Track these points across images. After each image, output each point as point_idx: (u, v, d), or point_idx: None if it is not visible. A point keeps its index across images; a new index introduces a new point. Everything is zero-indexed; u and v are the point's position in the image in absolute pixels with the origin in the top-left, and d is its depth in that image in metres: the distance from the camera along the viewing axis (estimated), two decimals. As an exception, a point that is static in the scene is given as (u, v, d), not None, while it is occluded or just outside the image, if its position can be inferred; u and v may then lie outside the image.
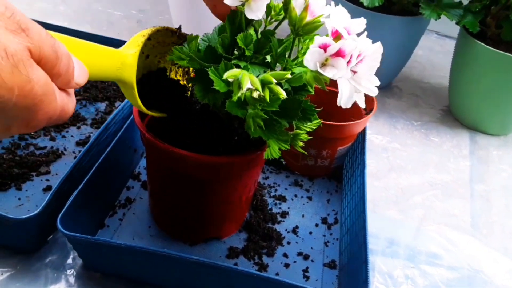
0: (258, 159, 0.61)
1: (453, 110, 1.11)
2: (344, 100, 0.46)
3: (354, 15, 0.46)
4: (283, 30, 0.55)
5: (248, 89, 0.44)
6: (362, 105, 0.49)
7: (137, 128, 0.60)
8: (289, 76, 0.46)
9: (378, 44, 0.46)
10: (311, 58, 0.44)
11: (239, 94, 0.44)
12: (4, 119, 0.33)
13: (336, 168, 0.85)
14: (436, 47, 1.41)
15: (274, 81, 0.45)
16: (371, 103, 0.80)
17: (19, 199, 0.70)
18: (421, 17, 0.98)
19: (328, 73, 0.44)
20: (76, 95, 0.91)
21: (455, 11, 0.98)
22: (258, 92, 0.44)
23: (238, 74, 0.45)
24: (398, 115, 1.08)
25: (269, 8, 0.53)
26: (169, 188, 0.66)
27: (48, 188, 0.73)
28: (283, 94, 0.45)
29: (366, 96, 0.81)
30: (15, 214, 0.58)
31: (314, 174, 0.85)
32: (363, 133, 0.80)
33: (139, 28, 1.26)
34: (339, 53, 0.44)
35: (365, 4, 0.96)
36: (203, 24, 1.10)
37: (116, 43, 0.98)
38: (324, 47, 0.44)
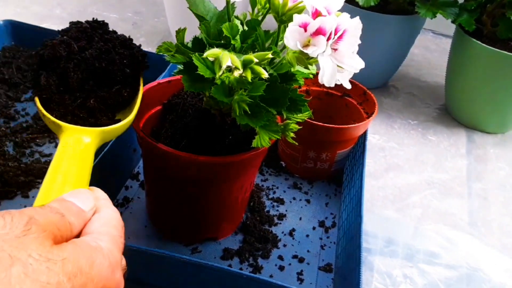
0: (254, 159, 0.61)
1: (450, 109, 1.11)
2: (326, 78, 0.45)
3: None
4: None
5: (228, 67, 0.44)
6: (347, 85, 0.48)
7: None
8: (270, 56, 0.46)
9: (357, 19, 0.46)
10: (291, 37, 0.44)
11: (220, 73, 0.44)
12: None
13: (336, 171, 0.85)
14: (432, 45, 1.41)
15: (256, 60, 0.45)
16: (372, 107, 0.80)
17: (25, 206, 0.70)
18: (417, 16, 0.98)
19: (308, 50, 0.44)
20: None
21: (450, 9, 0.98)
22: (239, 72, 0.44)
23: (219, 54, 0.45)
24: (395, 115, 1.08)
25: (254, 1, 0.53)
26: (165, 188, 0.66)
27: (54, 195, 0.73)
28: (264, 74, 0.45)
29: (368, 99, 0.81)
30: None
31: (314, 177, 0.85)
32: (363, 137, 0.80)
33: (135, 30, 1.26)
34: (319, 31, 0.44)
35: (360, 3, 0.96)
36: (193, 23, 1.10)
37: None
38: (304, 26, 0.44)
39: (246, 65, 0.45)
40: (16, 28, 1.00)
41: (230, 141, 0.59)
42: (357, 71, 0.46)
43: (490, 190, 0.90)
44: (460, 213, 0.84)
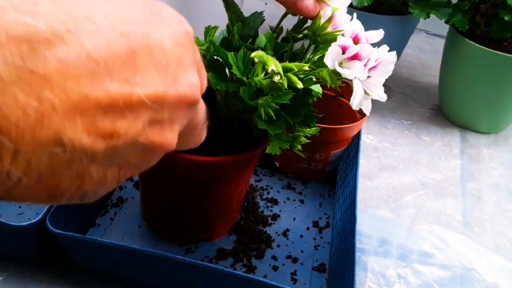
0: (250, 160, 0.61)
1: (444, 109, 1.11)
2: (356, 101, 0.47)
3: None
4: (265, 30, 0.56)
5: (272, 71, 0.45)
6: (367, 112, 0.51)
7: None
8: (307, 68, 0.47)
9: (393, 53, 0.48)
10: (331, 56, 0.46)
11: (262, 75, 0.46)
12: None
13: (330, 172, 0.85)
14: (425, 46, 1.41)
15: (296, 69, 0.47)
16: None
17: (20, 207, 0.70)
18: (410, 16, 0.98)
19: (346, 71, 0.46)
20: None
21: (444, 9, 0.98)
22: (279, 76, 0.45)
23: (264, 56, 0.46)
24: (389, 115, 1.08)
25: None
26: (160, 188, 0.65)
27: (49, 196, 0.72)
28: (299, 84, 0.46)
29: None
30: (16, 222, 0.58)
31: (308, 177, 0.85)
32: (357, 137, 0.80)
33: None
34: (356, 56, 0.46)
35: (354, 4, 0.96)
36: (192, 24, 1.10)
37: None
38: (344, 48, 0.46)
39: (284, 72, 0.46)
40: None
41: (230, 142, 0.59)
42: (383, 100, 0.49)
43: (483, 190, 0.90)
44: (453, 213, 0.84)
